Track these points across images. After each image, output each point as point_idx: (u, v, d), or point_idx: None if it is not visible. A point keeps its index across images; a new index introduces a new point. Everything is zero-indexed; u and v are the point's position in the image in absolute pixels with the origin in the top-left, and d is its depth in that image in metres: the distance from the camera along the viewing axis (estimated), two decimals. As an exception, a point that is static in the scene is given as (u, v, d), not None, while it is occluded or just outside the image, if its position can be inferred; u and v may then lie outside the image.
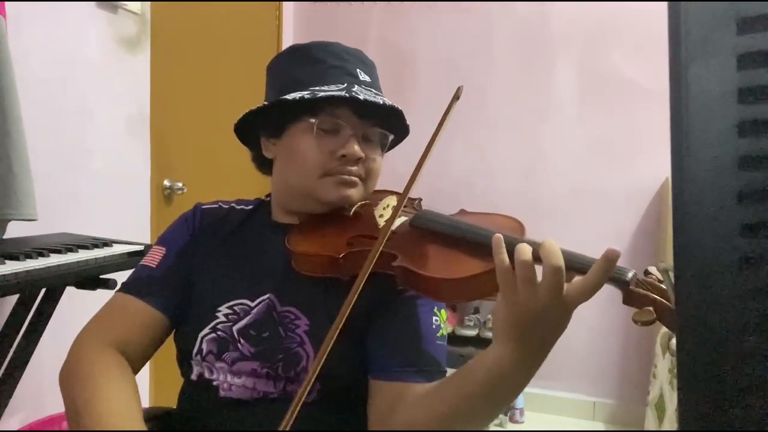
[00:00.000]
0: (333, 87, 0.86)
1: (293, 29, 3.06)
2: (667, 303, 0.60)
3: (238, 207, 1.00)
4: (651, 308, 0.60)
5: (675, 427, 1.80)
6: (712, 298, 0.34)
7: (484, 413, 0.71)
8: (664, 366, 2.05)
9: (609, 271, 0.59)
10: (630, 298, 0.62)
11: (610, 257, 0.58)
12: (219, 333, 0.85)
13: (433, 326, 0.84)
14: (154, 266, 0.91)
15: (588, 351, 2.69)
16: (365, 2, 2.99)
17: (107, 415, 0.73)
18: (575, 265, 0.61)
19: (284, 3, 2.97)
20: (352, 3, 3.00)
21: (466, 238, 0.74)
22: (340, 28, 3.03)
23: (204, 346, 0.85)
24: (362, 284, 0.71)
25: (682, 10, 0.35)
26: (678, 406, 0.36)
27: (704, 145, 0.34)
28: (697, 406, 0.34)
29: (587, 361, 2.72)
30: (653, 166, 2.56)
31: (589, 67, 2.70)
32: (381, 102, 0.86)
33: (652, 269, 0.64)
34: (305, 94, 0.85)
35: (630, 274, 0.62)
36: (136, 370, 0.85)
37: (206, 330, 0.86)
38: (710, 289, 0.34)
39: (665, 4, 0.36)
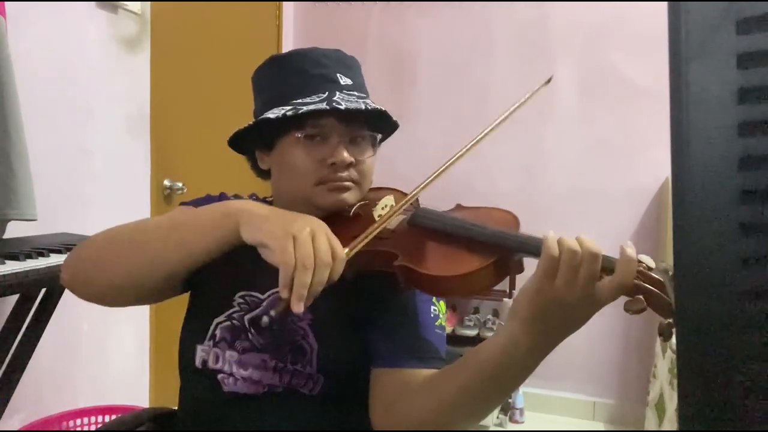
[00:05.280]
0: (314, 98, 0.87)
1: (293, 29, 3.06)
2: (658, 291, 0.62)
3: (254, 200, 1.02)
4: (641, 297, 0.62)
5: (675, 427, 1.80)
6: (712, 298, 0.34)
7: (491, 396, 0.73)
8: (664, 366, 2.05)
9: (631, 263, 0.62)
10: None
11: (626, 250, 0.62)
12: (234, 321, 0.87)
13: (431, 315, 0.86)
14: None
15: (588, 351, 2.69)
16: (365, 2, 2.99)
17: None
18: (606, 264, 0.63)
19: (284, 3, 2.97)
20: (352, 3, 3.00)
21: (465, 234, 0.75)
22: (340, 28, 3.02)
23: (218, 332, 0.87)
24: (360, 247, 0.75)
25: (682, 10, 0.35)
26: (678, 406, 0.36)
27: (704, 145, 0.34)
28: (697, 406, 0.34)
29: (587, 361, 2.71)
30: (653, 166, 2.55)
31: (588, 67, 2.69)
32: (363, 107, 0.87)
33: (643, 257, 0.65)
34: (287, 110, 0.86)
35: None
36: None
37: (222, 317, 0.88)
38: (710, 289, 0.34)
39: (665, 4, 0.36)
